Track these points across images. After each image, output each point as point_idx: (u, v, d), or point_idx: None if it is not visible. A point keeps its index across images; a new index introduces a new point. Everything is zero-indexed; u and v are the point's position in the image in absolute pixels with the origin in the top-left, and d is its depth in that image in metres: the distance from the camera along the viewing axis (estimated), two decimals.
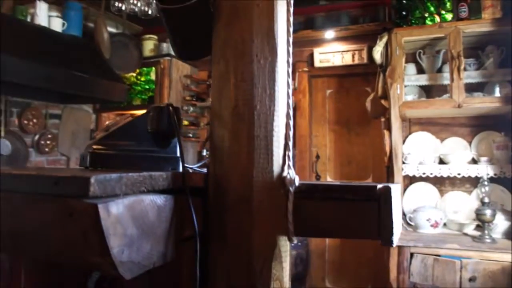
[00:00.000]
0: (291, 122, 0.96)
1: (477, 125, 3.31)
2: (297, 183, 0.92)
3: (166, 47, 4.05)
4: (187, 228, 0.90)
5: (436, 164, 3.17)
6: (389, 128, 3.16)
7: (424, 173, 3.14)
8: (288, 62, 0.96)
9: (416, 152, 3.26)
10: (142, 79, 4.19)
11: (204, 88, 4.35)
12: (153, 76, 4.13)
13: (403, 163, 3.15)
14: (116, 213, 0.72)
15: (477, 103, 2.96)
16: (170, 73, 4.01)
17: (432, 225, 3.01)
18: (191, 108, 4.18)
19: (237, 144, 0.92)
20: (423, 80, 3.34)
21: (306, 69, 4.09)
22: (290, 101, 0.96)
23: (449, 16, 3.18)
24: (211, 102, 1.00)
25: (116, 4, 3.42)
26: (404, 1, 3.27)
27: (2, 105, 3.20)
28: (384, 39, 3.22)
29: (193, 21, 1.03)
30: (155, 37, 4.17)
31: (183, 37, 1.09)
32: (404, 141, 3.38)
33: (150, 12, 3.42)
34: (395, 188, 0.92)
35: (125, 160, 1.05)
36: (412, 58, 3.41)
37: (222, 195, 0.93)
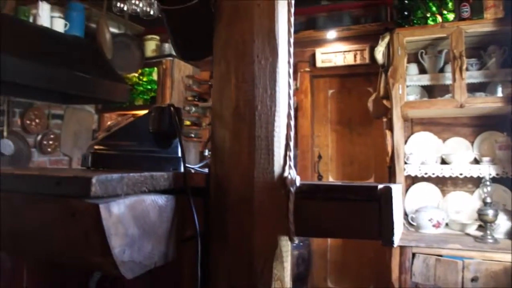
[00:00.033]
0: (292, 123, 0.96)
1: (479, 125, 3.31)
2: (298, 184, 0.92)
3: (168, 47, 4.06)
4: (188, 228, 0.91)
5: (438, 164, 3.16)
6: (391, 128, 3.16)
7: (426, 173, 3.13)
8: (289, 62, 0.96)
9: (418, 152, 3.26)
10: (144, 79, 4.20)
11: (206, 88, 4.36)
12: (155, 77, 4.14)
13: (405, 163, 3.15)
14: (118, 213, 0.72)
15: (479, 103, 2.95)
16: (172, 73, 4.02)
17: (434, 225, 3.00)
18: (193, 108, 4.19)
19: (238, 145, 0.92)
20: (425, 80, 3.33)
21: (308, 69, 4.09)
22: (291, 102, 0.96)
23: (451, 16, 3.18)
24: (212, 102, 1.01)
25: (118, 4, 3.43)
26: (406, 1, 3.27)
27: (4, 105, 3.21)
28: (386, 39, 3.22)
29: (194, 21, 1.03)
30: (157, 37, 4.18)
31: (184, 37, 1.09)
32: (406, 141, 3.38)
33: (152, 12, 3.42)
34: (396, 188, 0.92)
35: (126, 160, 1.05)
36: (414, 58, 3.41)
37: (223, 195, 0.93)
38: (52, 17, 3.30)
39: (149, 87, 4.17)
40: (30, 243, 0.83)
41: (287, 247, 0.95)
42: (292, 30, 0.97)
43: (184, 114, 4.08)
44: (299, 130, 4.08)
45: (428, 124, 3.47)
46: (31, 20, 3.17)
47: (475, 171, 3.02)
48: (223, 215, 0.92)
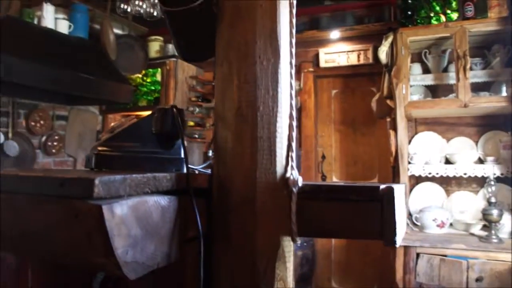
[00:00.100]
0: (294, 123, 0.96)
1: (484, 124, 3.29)
2: (300, 184, 0.93)
3: (172, 48, 4.07)
4: (191, 229, 0.91)
5: (442, 164, 3.15)
6: (394, 128, 3.15)
7: (430, 173, 3.12)
8: (291, 63, 0.96)
9: (422, 152, 3.25)
10: (148, 80, 4.21)
11: (209, 89, 4.36)
12: (159, 77, 4.15)
13: (409, 163, 3.14)
14: (120, 214, 0.73)
15: (484, 103, 2.94)
16: (175, 74, 4.02)
17: (438, 225, 3.00)
18: (197, 109, 4.19)
19: (240, 145, 0.93)
20: (428, 80, 3.32)
21: (311, 69, 4.09)
22: (293, 102, 0.96)
23: (454, 16, 3.17)
24: (214, 103, 1.01)
25: (122, 6, 3.44)
26: (410, 1, 3.26)
27: (9, 106, 3.23)
28: (390, 39, 3.21)
29: (196, 23, 1.04)
30: (161, 38, 4.19)
31: (186, 39, 1.10)
32: (410, 141, 3.37)
33: (155, 13, 3.43)
34: (399, 188, 0.92)
35: (129, 161, 1.06)
36: (417, 58, 3.39)
37: (225, 196, 0.93)
38: (56, 18, 3.31)
39: (152, 88, 4.18)
40: (35, 244, 0.84)
41: (289, 248, 0.95)
42: (294, 31, 0.97)
43: (188, 114, 4.09)
44: (303, 130, 4.08)
45: (432, 124, 3.46)
46: (35, 21, 3.19)
47: (479, 170, 3.01)
48: (226, 215, 0.93)
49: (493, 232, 2.73)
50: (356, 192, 0.92)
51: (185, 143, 1.10)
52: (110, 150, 1.07)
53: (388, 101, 3.24)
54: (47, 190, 0.77)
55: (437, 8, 3.22)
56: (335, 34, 3.97)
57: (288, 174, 0.94)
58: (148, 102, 4.17)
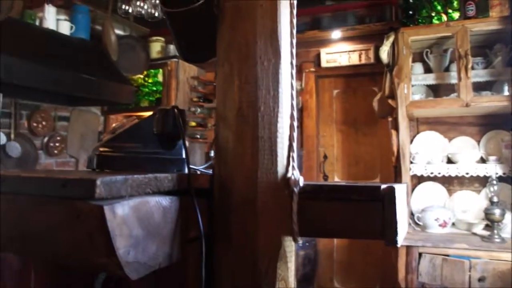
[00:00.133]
0: (295, 124, 0.96)
1: (486, 124, 3.29)
2: (301, 184, 0.93)
3: (173, 49, 4.07)
4: (192, 229, 0.91)
5: (444, 164, 3.15)
6: (396, 128, 3.15)
7: (432, 173, 3.12)
8: (291, 63, 0.96)
9: (424, 151, 3.25)
10: (150, 80, 4.21)
11: (211, 89, 4.36)
12: (160, 78, 4.16)
13: (411, 162, 3.14)
14: (122, 214, 0.73)
15: (485, 102, 2.94)
16: (177, 74, 4.03)
17: (440, 225, 2.99)
18: (199, 109, 4.20)
19: (241, 146, 0.93)
20: (430, 79, 3.32)
21: (313, 69, 4.09)
22: (294, 103, 0.96)
23: (456, 15, 3.17)
24: (216, 104, 1.01)
25: (123, 6, 3.45)
26: (411, 1, 3.26)
27: (11, 108, 3.24)
28: (391, 39, 3.21)
29: (197, 23, 1.04)
30: (162, 39, 4.20)
31: (187, 39, 1.10)
32: (411, 141, 3.37)
33: (156, 14, 3.44)
34: (400, 188, 0.92)
35: (131, 162, 1.06)
36: (419, 57, 3.39)
37: (227, 196, 0.94)
38: (58, 20, 3.32)
39: (154, 88, 4.19)
40: (37, 245, 0.84)
41: (291, 248, 0.95)
42: (294, 31, 0.97)
43: (190, 115, 4.09)
44: (305, 130, 4.08)
45: (434, 123, 3.46)
46: (37, 23, 3.19)
47: (481, 170, 3.01)
48: (227, 215, 0.93)
49: (495, 231, 2.73)
50: (357, 192, 0.92)
51: (187, 143, 1.10)
52: (111, 151, 1.07)
53: (390, 101, 3.24)
54: (49, 191, 0.77)
55: (439, 7, 3.21)
56: (336, 34, 3.97)
57: (289, 174, 0.94)
58: (149, 102, 4.18)
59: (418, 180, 3.36)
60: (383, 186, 0.88)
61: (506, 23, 2.91)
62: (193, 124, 4.16)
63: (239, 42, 0.94)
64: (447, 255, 2.72)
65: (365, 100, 3.88)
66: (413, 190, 3.33)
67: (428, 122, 3.48)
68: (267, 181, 0.91)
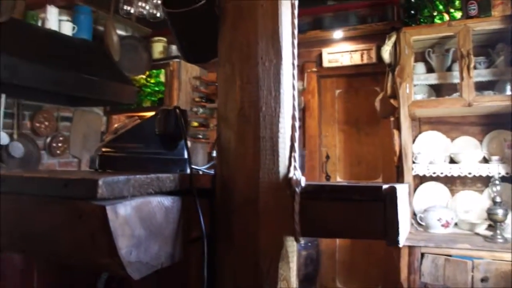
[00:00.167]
0: (297, 124, 0.96)
1: (488, 123, 3.28)
2: (303, 184, 0.93)
3: (175, 49, 4.07)
4: (194, 229, 0.91)
5: (446, 164, 3.14)
6: (398, 128, 3.15)
7: (434, 173, 3.12)
8: (293, 64, 0.96)
9: (426, 151, 3.24)
10: (152, 81, 4.22)
11: (213, 89, 4.36)
12: (162, 78, 4.16)
13: (413, 162, 3.14)
14: (124, 215, 0.73)
15: (488, 102, 2.93)
16: (179, 75, 4.03)
17: (443, 225, 2.99)
18: (201, 110, 4.20)
19: (243, 146, 0.93)
20: (432, 79, 3.31)
21: (314, 69, 4.09)
22: (296, 103, 0.97)
23: (458, 14, 3.16)
24: (217, 104, 1.01)
25: (125, 7, 3.45)
26: (413, 0, 3.26)
27: (14, 108, 3.25)
28: (393, 39, 3.20)
29: (199, 24, 1.04)
30: (164, 39, 4.20)
31: (189, 40, 1.10)
32: (414, 141, 3.37)
33: (158, 14, 3.44)
34: (402, 188, 0.92)
35: (133, 162, 1.06)
36: (421, 57, 3.39)
37: (228, 196, 0.94)
38: (60, 20, 3.33)
39: (156, 88, 4.19)
40: (40, 244, 0.84)
41: (292, 247, 0.95)
42: (296, 32, 0.97)
43: (192, 115, 4.09)
44: (307, 130, 4.08)
45: (436, 123, 3.45)
46: (39, 24, 3.20)
47: (484, 170, 3.00)
48: (229, 215, 0.93)
49: (498, 232, 2.72)
50: (359, 192, 0.92)
51: (189, 143, 1.10)
52: (113, 151, 1.08)
53: (392, 101, 3.23)
54: (51, 191, 0.78)
55: (440, 7, 3.20)
56: (338, 34, 3.96)
57: (291, 174, 0.94)
58: (152, 102, 4.19)
59: (421, 180, 3.35)
60: (385, 186, 0.88)
61: (509, 22, 2.90)
62: (195, 124, 4.16)
63: (240, 42, 0.95)
64: (450, 255, 2.71)
65: (367, 100, 3.88)
66: (415, 190, 3.33)
67: (430, 122, 3.47)
68: (268, 181, 0.91)
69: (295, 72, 0.97)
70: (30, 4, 3.19)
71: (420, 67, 3.35)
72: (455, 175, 3.08)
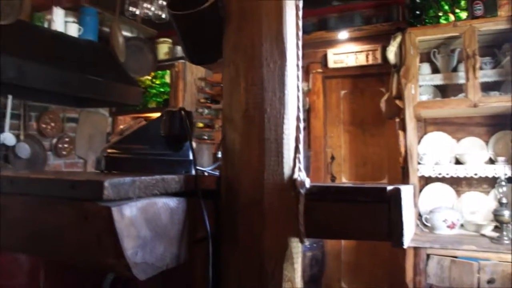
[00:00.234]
0: (301, 125, 0.96)
1: (494, 124, 3.26)
2: (307, 185, 0.93)
3: (181, 50, 4.08)
4: (199, 230, 0.92)
5: (452, 164, 3.13)
6: (404, 129, 3.14)
7: (440, 174, 3.10)
8: (297, 65, 0.97)
9: (432, 152, 3.23)
10: (157, 82, 4.23)
11: (218, 90, 4.37)
12: (168, 79, 4.17)
13: (419, 163, 3.12)
14: (130, 216, 0.74)
15: (494, 102, 2.92)
16: (184, 76, 4.04)
17: (448, 226, 2.97)
18: (206, 111, 4.21)
19: (248, 147, 0.93)
20: (438, 79, 3.30)
21: (320, 70, 4.09)
22: (300, 105, 0.97)
23: (463, 15, 3.14)
24: (222, 105, 1.02)
25: (131, 8, 3.47)
26: (418, 1, 3.25)
27: (21, 109, 3.27)
28: (398, 39, 3.20)
29: (204, 26, 1.04)
30: (170, 40, 4.22)
31: (193, 41, 1.10)
32: (419, 141, 3.36)
33: (163, 16, 3.45)
34: (406, 189, 0.92)
35: (138, 163, 1.07)
36: (426, 57, 3.38)
37: (233, 197, 0.94)
38: (66, 22, 3.35)
39: (162, 89, 4.21)
40: (47, 245, 0.85)
41: (297, 249, 0.95)
42: (300, 33, 0.98)
43: (197, 116, 4.10)
44: (312, 131, 4.08)
45: (442, 124, 3.44)
46: (46, 25, 3.22)
47: (490, 171, 2.98)
48: (234, 217, 0.93)
49: (504, 233, 2.71)
50: (363, 193, 0.92)
51: (194, 144, 1.11)
52: (119, 153, 1.08)
53: (397, 102, 3.22)
54: (58, 192, 0.78)
55: (446, 7, 3.19)
56: (343, 34, 3.96)
57: (295, 176, 0.94)
58: (157, 103, 4.20)
59: (426, 181, 3.34)
60: (389, 188, 0.88)
61: None
62: (201, 125, 4.17)
63: (245, 44, 0.95)
64: (456, 257, 2.70)
65: (372, 100, 3.87)
66: (421, 191, 3.31)
67: (435, 123, 3.46)
68: (273, 182, 0.92)
69: (300, 73, 0.97)
70: (36, 6, 3.22)
71: (426, 67, 3.34)
72: (461, 176, 3.06)
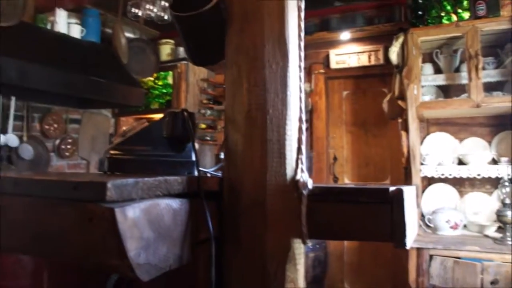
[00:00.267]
0: (304, 126, 0.96)
1: (497, 124, 3.26)
2: (310, 186, 0.93)
3: (183, 51, 4.09)
4: (202, 231, 0.92)
5: (455, 165, 3.12)
6: (406, 129, 3.13)
7: (443, 174, 3.09)
8: (300, 66, 0.97)
9: (435, 153, 3.22)
10: (160, 83, 4.24)
11: (221, 91, 4.37)
12: (170, 80, 4.18)
13: (421, 164, 3.12)
14: (133, 217, 0.74)
15: (496, 103, 2.91)
16: (187, 77, 4.05)
17: (451, 227, 2.97)
18: (208, 112, 4.21)
19: (250, 148, 0.94)
20: (440, 80, 3.30)
21: (322, 70, 4.09)
22: (302, 105, 0.97)
23: (466, 15, 3.14)
24: (225, 107, 1.02)
25: (133, 10, 3.47)
26: (420, 1, 3.24)
27: (24, 110, 3.29)
28: (400, 40, 3.19)
29: (206, 27, 1.05)
30: (172, 41, 4.22)
31: (196, 43, 1.11)
32: (422, 142, 3.35)
33: (166, 17, 3.45)
34: (409, 190, 0.92)
35: (141, 164, 1.07)
36: (429, 58, 3.37)
37: (236, 198, 0.94)
38: (69, 23, 3.36)
39: (164, 90, 4.22)
40: (50, 246, 0.85)
41: (300, 250, 0.95)
42: (302, 34, 0.98)
43: (199, 117, 4.11)
44: (314, 131, 4.07)
45: (444, 124, 3.43)
46: (48, 27, 3.23)
47: (493, 171, 2.98)
48: (236, 218, 0.93)
49: (508, 234, 2.70)
50: (366, 194, 0.92)
51: (197, 145, 1.11)
52: (122, 154, 1.09)
53: (400, 102, 3.22)
54: (61, 193, 0.78)
55: (448, 7, 3.19)
56: (345, 35, 3.96)
57: (298, 177, 0.94)
58: (160, 105, 4.21)
59: (429, 181, 3.34)
60: (392, 189, 0.88)
61: None
62: (203, 126, 4.17)
63: (247, 45, 0.95)
64: (459, 258, 2.70)
65: (374, 101, 3.87)
66: (423, 191, 3.31)
67: (438, 123, 3.46)
68: (276, 183, 0.92)
69: (302, 74, 0.98)
70: (39, 8, 3.23)
71: (428, 68, 3.34)
72: (464, 176, 3.05)
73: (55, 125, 3.56)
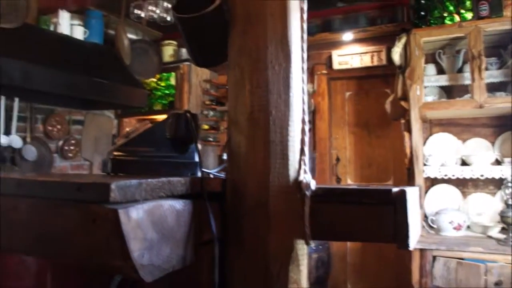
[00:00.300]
0: (306, 128, 0.97)
1: (500, 125, 3.25)
2: (313, 187, 0.93)
3: (186, 52, 4.09)
4: (205, 232, 0.92)
5: (458, 166, 3.11)
6: (409, 130, 3.13)
7: (446, 175, 3.09)
8: (302, 68, 0.97)
9: (438, 153, 3.22)
10: (162, 84, 4.25)
11: (224, 92, 4.38)
12: (173, 81, 4.19)
13: (424, 165, 3.11)
14: (136, 218, 0.74)
15: (500, 103, 2.90)
16: (189, 78, 4.05)
17: (455, 228, 2.96)
18: (211, 113, 4.22)
19: (253, 150, 0.94)
20: (443, 80, 3.29)
21: (325, 71, 4.09)
22: (305, 107, 0.97)
23: (469, 15, 3.13)
24: (227, 108, 1.02)
25: (136, 11, 3.48)
26: (423, 1, 3.24)
27: (27, 112, 3.30)
28: (403, 40, 3.19)
29: (209, 28, 1.05)
30: (175, 42, 4.23)
31: (198, 44, 1.11)
32: (425, 143, 3.34)
33: (168, 18, 3.47)
34: (412, 191, 0.92)
35: (144, 166, 1.08)
36: (431, 58, 3.37)
37: (239, 199, 0.94)
38: (72, 25, 3.37)
39: (167, 92, 4.22)
40: (54, 247, 0.86)
41: (303, 251, 0.95)
42: (305, 36, 0.98)
43: (202, 118, 4.11)
44: (317, 132, 4.07)
45: (447, 125, 3.42)
46: (51, 28, 3.25)
47: (496, 172, 2.97)
48: (239, 219, 0.94)
49: (511, 235, 2.69)
50: (369, 195, 0.92)
51: (200, 146, 1.11)
52: (125, 155, 1.09)
53: (403, 103, 3.21)
54: (64, 195, 0.79)
55: (451, 8, 3.18)
56: (348, 36, 3.96)
57: (301, 178, 0.94)
58: (162, 106, 4.21)
59: (432, 182, 3.33)
60: (395, 190, 0.88)
61: None
62: (206, 127, 4.18)
63: (250, 47, 0.95)
64: (462, 259, 2.69)
65: (377, 102, 3.87)
66: (426, 192, 3.30)
67: (441, 124, 3.45)
68: (279, 184, 0.92)
69: (305, 75, 0.98)
70: (42, 9, 3.24)
71: (431, 68, 3.33)
72: (467, 177, 3.05)
73: (58, 126, 3.57)
